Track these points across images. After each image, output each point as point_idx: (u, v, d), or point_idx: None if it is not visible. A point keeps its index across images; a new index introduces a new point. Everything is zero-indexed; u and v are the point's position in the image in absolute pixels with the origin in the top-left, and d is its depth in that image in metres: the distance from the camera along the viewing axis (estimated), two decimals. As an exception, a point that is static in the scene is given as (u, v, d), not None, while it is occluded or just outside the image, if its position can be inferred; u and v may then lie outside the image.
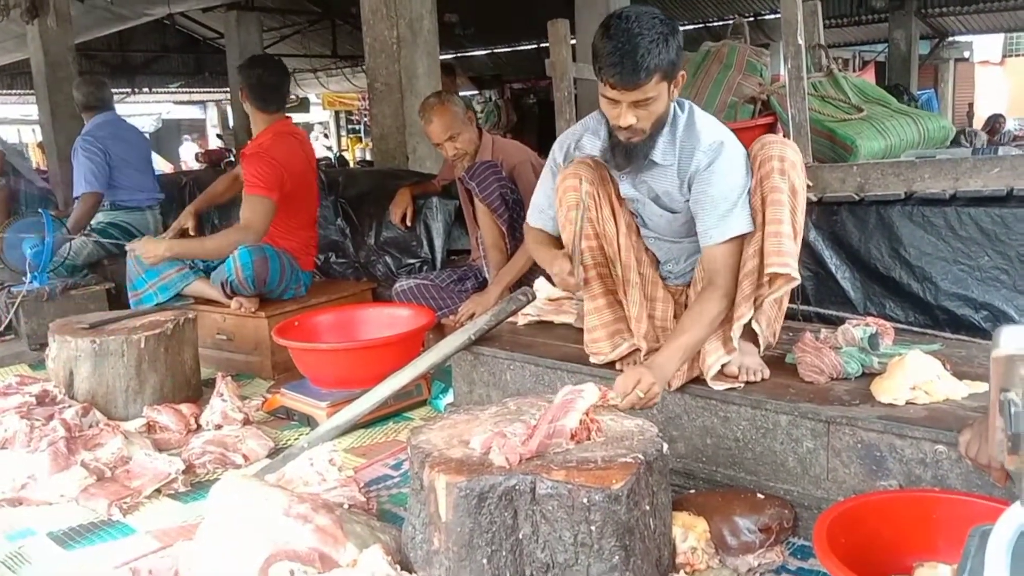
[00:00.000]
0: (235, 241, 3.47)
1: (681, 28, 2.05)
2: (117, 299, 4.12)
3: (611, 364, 2.36)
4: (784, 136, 2.82)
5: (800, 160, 2.13)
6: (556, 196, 2.29)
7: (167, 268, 3.59)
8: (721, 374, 2.12)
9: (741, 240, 2.13)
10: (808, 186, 2.21)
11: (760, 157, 2.10)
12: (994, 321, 2.51)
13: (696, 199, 2.14)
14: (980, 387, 1.99)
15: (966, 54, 16.94)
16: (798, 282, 2.09)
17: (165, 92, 17.13)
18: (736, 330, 2.10)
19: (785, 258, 2.04)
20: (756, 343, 2.21)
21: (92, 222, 4.59)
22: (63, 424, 2.56)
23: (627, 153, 2.12)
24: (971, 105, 16.71)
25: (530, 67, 12.33)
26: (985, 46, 17.76)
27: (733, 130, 2.22)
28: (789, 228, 2.06)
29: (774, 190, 2.06)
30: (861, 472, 1.90)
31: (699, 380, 2.17)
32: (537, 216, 2.46)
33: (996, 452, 0.83)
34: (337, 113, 21.11)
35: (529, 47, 13.30)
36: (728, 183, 2.09)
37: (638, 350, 2.32)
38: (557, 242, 2.39)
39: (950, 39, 14.95)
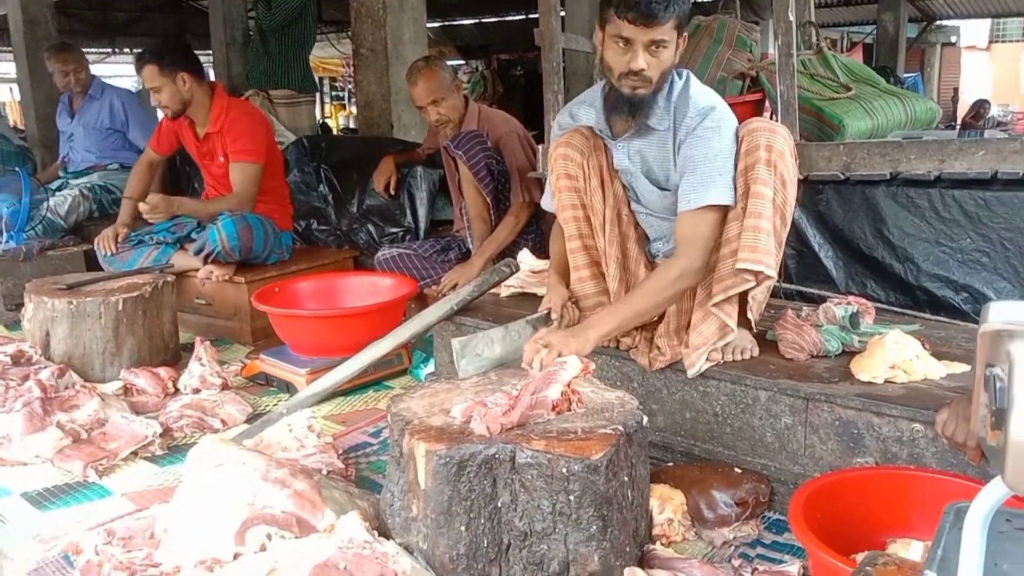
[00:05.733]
0: (234, 206, 3.54)
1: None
2: (95, 261, 4.07)
3: None
4: (772, 113, 2.80)
5: (790, 146, 2.05)
6: (549, 164, 2.26)
7: (138, 258, 3.57)
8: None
9: (721, 215, 2.06)
10: (795, 164, 2.18)
11: (746, 145, 2.03)
12: (974, 303, 2.53)
13: (682, 164, 2.09)
14: (958, 368, 2.00)
15: (953, 39, 16.95)
16: (774, 279, 2.05)
17: (146, 53, 16.88)
18: (729, 314, 2.06)
19: (758, 254, 1.98)
20: (749, 325, 2.18)
21: (87, 181, 4.54)
22: (39, 385, 2.53)
23: (631, 106, 2.06)
24: (956, 90, 16.78)
25: (518, 38, 12.20)
26: (972, 31, 17.78)
27: (721, 105, 2.19)
28: (768, 224, 1.99)
29: (758, 182, 2.00)
30: (838, 449, 1.92)
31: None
32: (548, 200, 2.40)
33: (978, 428, 0.83)
34: (321, 79, 20.91)
35: (517, 18, 13.17)
36: (712, 148, 2.03)
37: None
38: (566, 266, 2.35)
39: (938, 23, 14.95)
